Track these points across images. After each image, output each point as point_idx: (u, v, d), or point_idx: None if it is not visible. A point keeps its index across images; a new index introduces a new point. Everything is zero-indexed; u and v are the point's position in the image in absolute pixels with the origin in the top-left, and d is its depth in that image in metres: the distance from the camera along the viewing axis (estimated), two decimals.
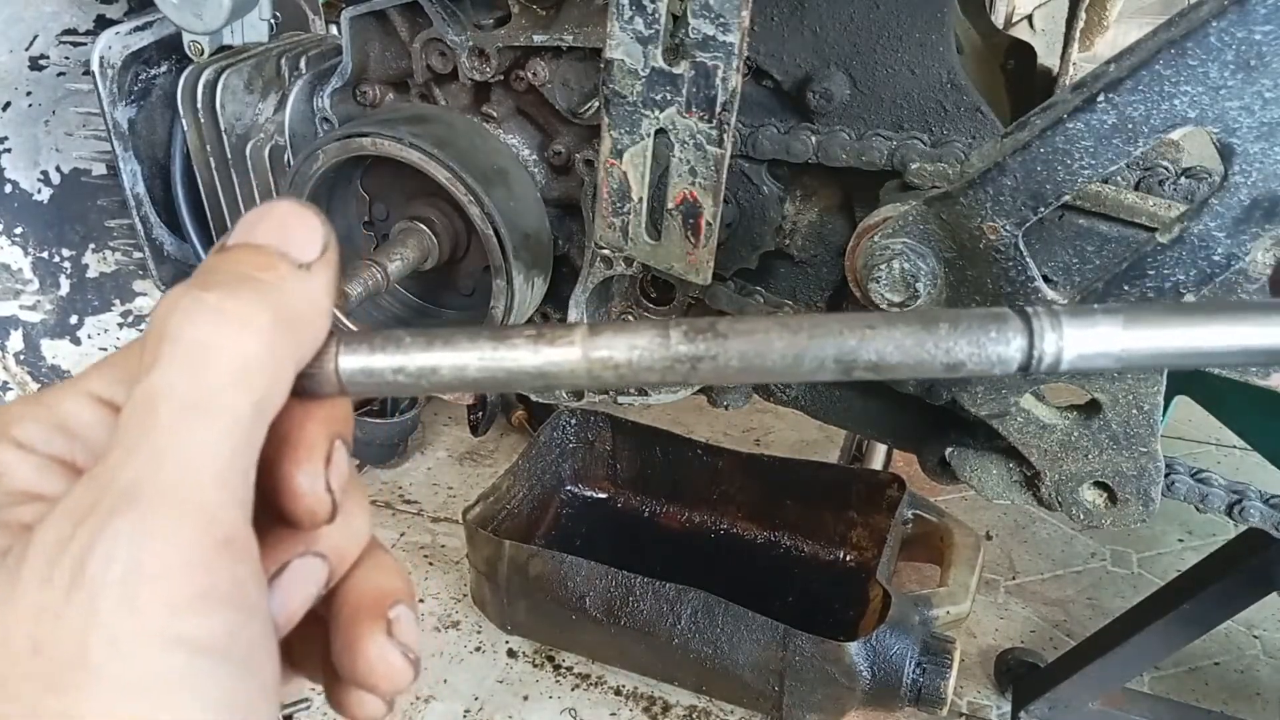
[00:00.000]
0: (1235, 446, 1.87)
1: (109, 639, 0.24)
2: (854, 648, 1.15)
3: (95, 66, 1.08)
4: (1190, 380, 1.06)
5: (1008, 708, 1.37)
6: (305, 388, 0.32)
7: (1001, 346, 0.33)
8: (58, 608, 0.24)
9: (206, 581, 0.25)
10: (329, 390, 0.32)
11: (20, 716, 0.24)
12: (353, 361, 0.32)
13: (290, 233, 0.30)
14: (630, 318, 1.02)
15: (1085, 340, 0.34)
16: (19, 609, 0.25)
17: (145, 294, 1.52)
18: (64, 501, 0.26)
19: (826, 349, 0.33)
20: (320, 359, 0.32)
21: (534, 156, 1.00)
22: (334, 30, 1.28)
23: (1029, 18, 1.26)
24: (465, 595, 1.51)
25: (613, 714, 1.34)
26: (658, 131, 0.80)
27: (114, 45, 1.09)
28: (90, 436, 0.30)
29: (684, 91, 0.77)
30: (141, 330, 1.54)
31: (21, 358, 1.44)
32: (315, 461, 0.30)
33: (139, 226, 1.18)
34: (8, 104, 1.30)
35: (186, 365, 0.26)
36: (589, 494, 1.62)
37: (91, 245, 1.45)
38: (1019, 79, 1.05)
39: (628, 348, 0.33)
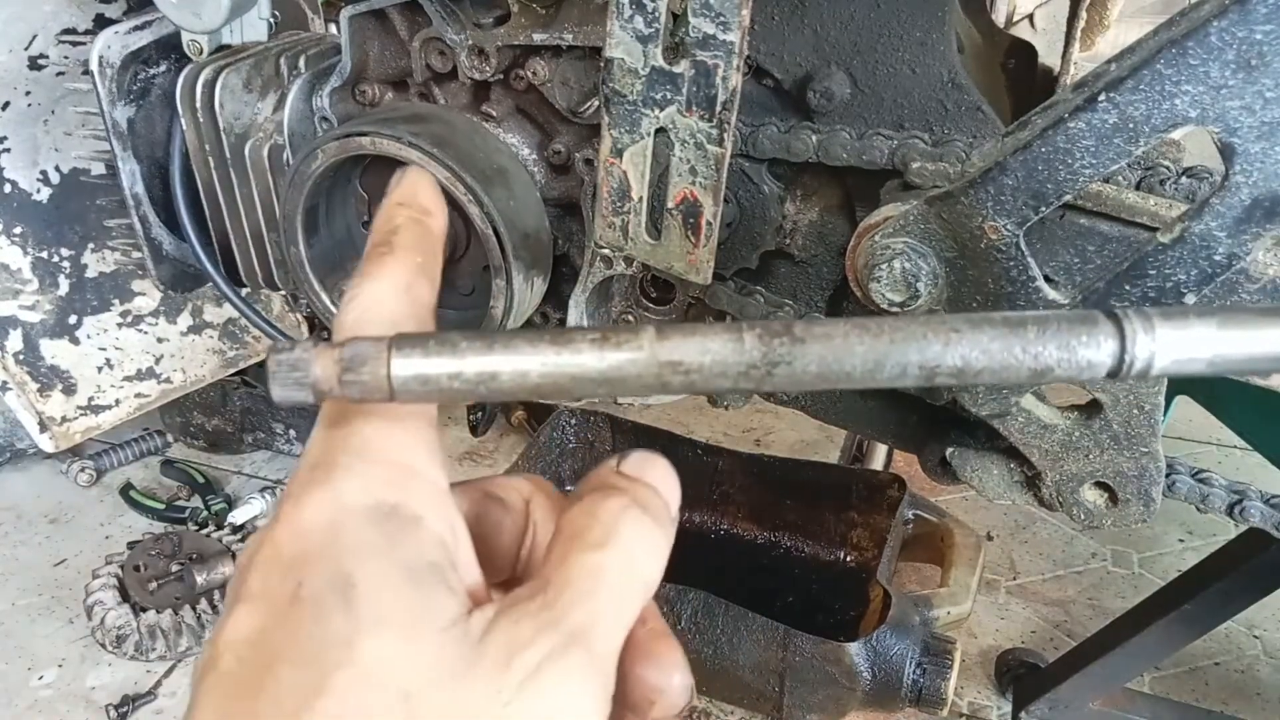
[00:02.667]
0: (1235, 446, 1.87)
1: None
2: (854, 648, 1.15)
3: (94, 66, 1.08)
4: (1191, 380, 1.06)
5: (1008, 708, 1.37)
6: (353, 395, 0.31)
7: (1092, 351, 0.32)
8: (509, 697, 0.30)
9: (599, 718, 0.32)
10: (379, 397, 0.31)
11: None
12: (406, 367, 0.31)
13: (671, 491, 0.37)
14: (630, 318, 1.02)
15: (1179, 344, 0.32)
16: (477, 687, 0.30)
17: (144, 293, 1.52)
18: (521, 608, 0.31)
19: (909, 354, 0.31)
20: (371, 364, 0.30)
21: (534, 156, 1.00)
22: (333, 29, 1.28)
23: (1030, 17, 1.26)
24: None
25: None
26: (658, 131, 0.80)
27: (113, 45, 1.09)
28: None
29: (684, 90, 0.77)
30: (143, 330, 1.53)
31: (21, 357, 1.44)
32: (674, 653, 0.38)
33: (138, 226, 1.18)
34: (7, 104, 1.30)
35: (628, 559, 0.34)
36: None
37: (90, 245, 1.45)
38: (1020, 78, 1.05)
39: (700, 351, 0.31)
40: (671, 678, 0.36)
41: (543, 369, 0.31)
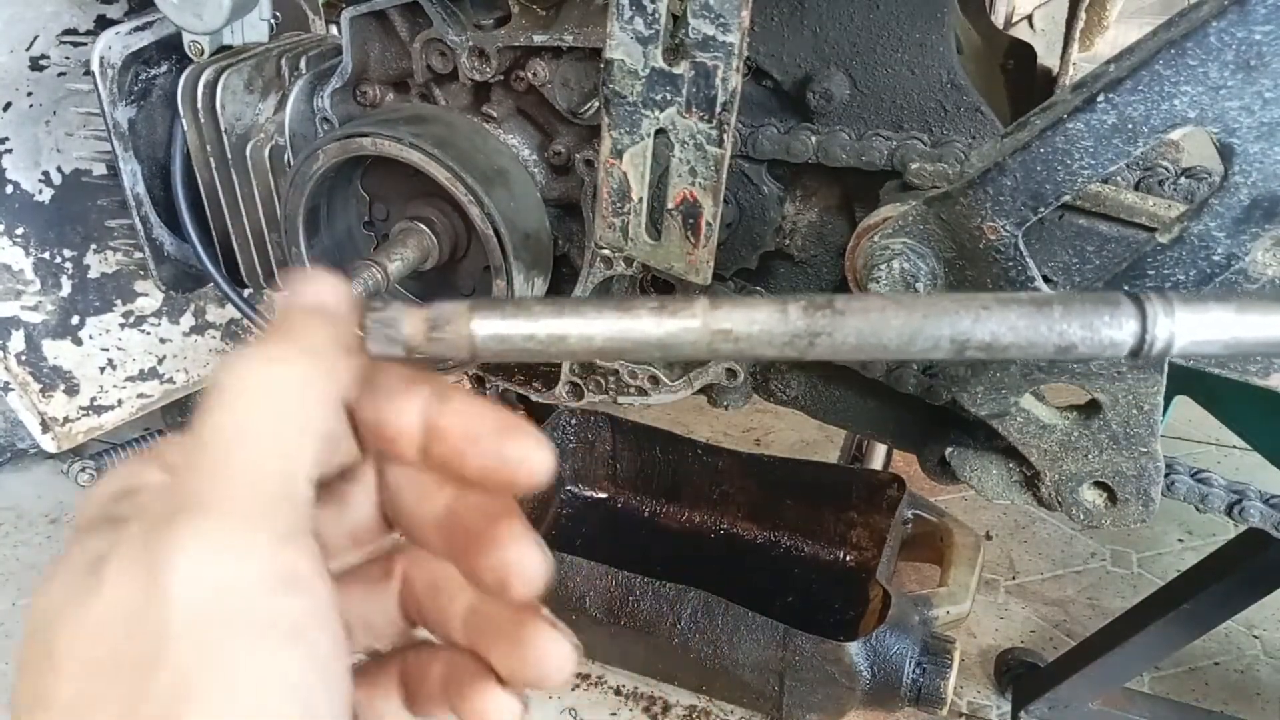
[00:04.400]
0: (1235, 446, 1.87)
1: (185, 635, 0.27)
2: (854, 648, 1.15)
3: (95, 66, 1.08)
4: (1190, 380, 1.06)
5: (1008, 707, 1.37)
6: (438, 352, 0.33)
7: (1115, 330, 0.34)
8: (141, 602, 0.27)
9: (271, 580, 0.29)
10: (460, 355, 0.33)
11: (118, 698, 0.27)
12: (485, 327, 0.33)
13: (308, 289, 0.34)
14: None
15: (1198, 326, 0.34)
16: (110, 603, 0.28)
17: (146, 294, 1.53)
18: (139, 514, 0.30)
19: (942, 328, 0.33)
20: (455, 323, 0.33)
21: (534, 156, 1.00)
22: (334, 30, 1.28)
23: (1029, 18, 1.26)
24: None
25: (613, 714, 1.34)
26: (658, 131, 0.80)
27: (114, 45, 1.09)
28: None
29: (684, 91, 0.77)
30: (146, 331, 1.54)
31: (23, 358, 1.44)
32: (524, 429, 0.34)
33: (139, 227, 1.18)
34: (9, 104, 1.30)
35: (228, 399, 0.31)
36: (589, 494, 1.62)
37: (93, 245, 1.45)
38: (1019, 79, 1.05)
39: (748, 321, 0.34)
40: (509, 551, 0.33)
41: (607, 333, 0.34)
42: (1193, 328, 0.34)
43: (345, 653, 0.31)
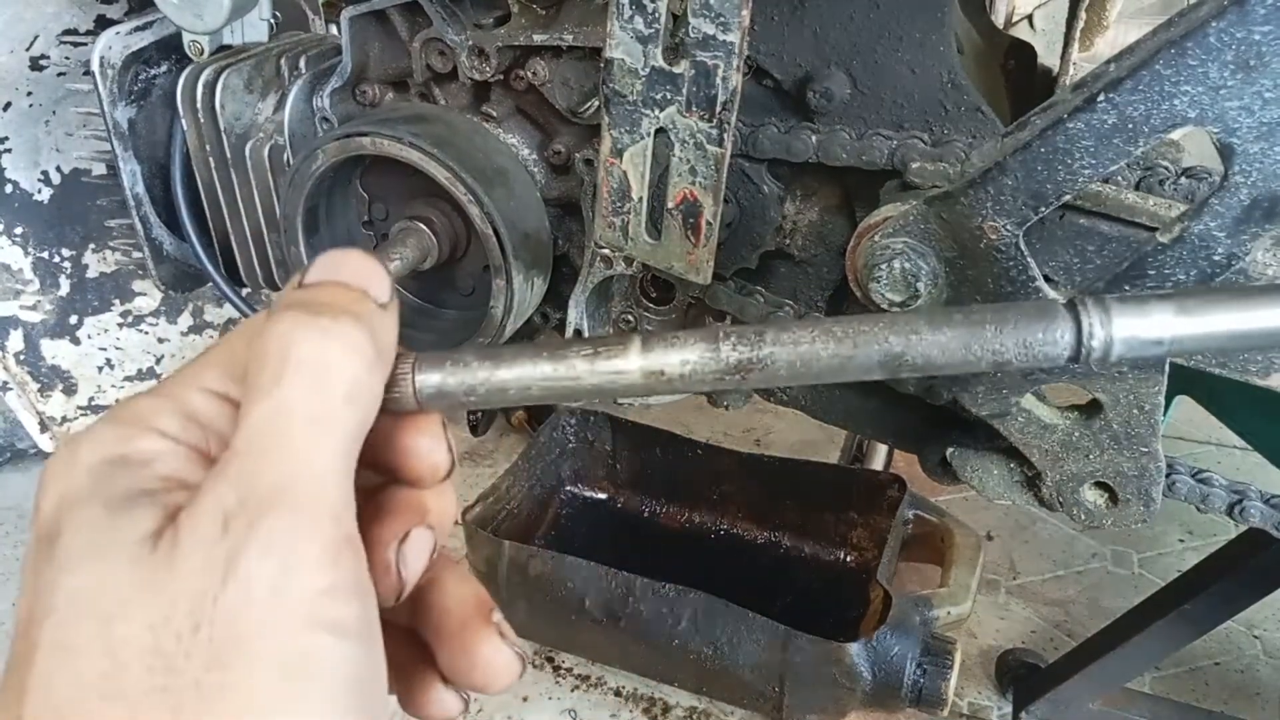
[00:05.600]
0: (1235, 446, 1.87)
1: (263, 622, 0.28)
2: (855, 649, 1.15)
3: (95, 66, 1.08)
4: (1190, 380, 1.06)
5: (1009, 708, 1.37)
6: (389, 407, 0.35)
7: (1049, 347, 0.34)
8: (216, 592, 0.28)
9: (337, 574, 0.29)
10: (409, 409, 0.35)
11: (184, 687, 0.27)
12: (428, 384, 0.35)
13: (368, 277, 0.34)
14: (630, 318, 1.02)
15: (1136, 329, 0.34)
16: (179, 590, 0.28)
17: (145, 294, 1.52)
18: (207, 496, 0.29)
19: (873, 355, 0.34)
20: (399, 382, 0.35)
21: (534, 156, 1.00)
22: (334, 30, 1.28)
23: (1029, 18, 1.26)
24: None
25: (613, 715, 1.34)
26: (658, 131, 0.80)
27: (114, 45, 1.09)
28: (215, 428, 0.33)
29: (684, 91, 0.77)
30: (144, 331, 1.54)
31: (21, 357, 1.44)
32: (436, 426, 0.36)
33: (139, 226, 1.18)
34: (8, 104, 1.30)
35: (310, 383, 0.31)
36: (589, 494, 1.62)
37: (91, 245, 1.45)
38: (1019, 79, 1.05)
39: (680, 362, 0.35)
40: (422, 443, 0.36)
41: (543, 381, 0.35)
42: (1132, 331, 0.34)
43: (382, 651, 0.31)
